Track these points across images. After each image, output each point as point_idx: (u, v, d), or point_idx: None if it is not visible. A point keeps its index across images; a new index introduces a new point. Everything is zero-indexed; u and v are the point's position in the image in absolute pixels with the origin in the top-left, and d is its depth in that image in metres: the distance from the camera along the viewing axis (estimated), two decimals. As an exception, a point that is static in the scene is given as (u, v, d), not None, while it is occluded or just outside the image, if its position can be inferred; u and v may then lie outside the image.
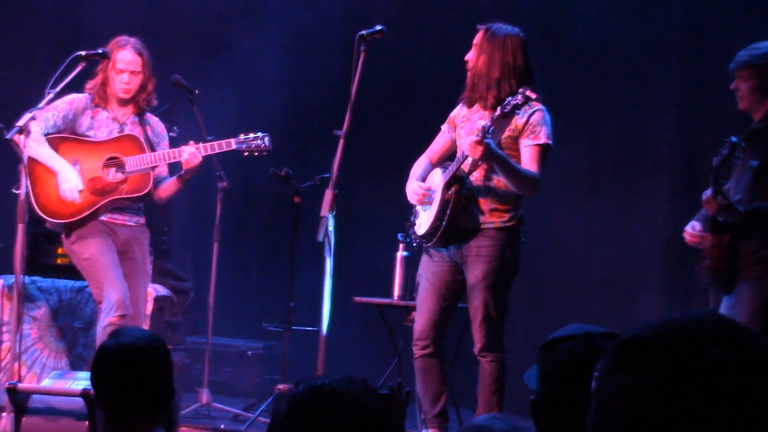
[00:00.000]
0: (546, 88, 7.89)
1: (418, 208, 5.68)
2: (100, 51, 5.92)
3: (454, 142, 5.65)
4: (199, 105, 6.38)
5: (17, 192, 5.76)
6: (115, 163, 6.02)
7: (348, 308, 7.46)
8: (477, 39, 5.51)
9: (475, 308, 5.44)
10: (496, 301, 5.42)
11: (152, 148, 6.10)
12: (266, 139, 6.09)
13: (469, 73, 5.52)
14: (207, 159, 6.06)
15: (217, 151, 6.03)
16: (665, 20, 7.71)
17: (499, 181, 5.40)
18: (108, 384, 3.14)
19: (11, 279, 6.21)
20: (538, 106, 5.38)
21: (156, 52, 6.23)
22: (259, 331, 7.97)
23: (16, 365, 5.77)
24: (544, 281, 7.94)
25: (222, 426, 6.51)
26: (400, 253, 6.63)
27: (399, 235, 6.54)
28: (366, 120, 7.12)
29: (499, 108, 5.19)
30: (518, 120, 5.37)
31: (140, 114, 6.17)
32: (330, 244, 5.24)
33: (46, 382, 5.10)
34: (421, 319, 5.55)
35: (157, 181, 6.16)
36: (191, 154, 5.95)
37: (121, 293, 5.87)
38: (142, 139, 6.07)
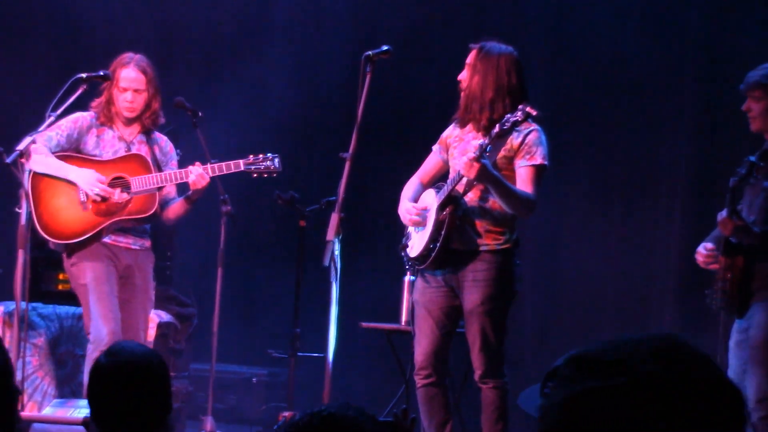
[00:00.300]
0: (557, 108, 7.89)
1: (411, 229, 5.55)
2: (101, 73, 5.84)
3: (445, 163, 5.54)
4: (202, 127, 6.29)
5: (19, 211, 5.67)
6: (120, 183, 5.90)
7: (355, 334, 7.36)
8: (470, 58, 5.40)
9: (473, 335, 5.31)
10: (495, 327, 5.29)
11: (159, 168, 5.99)
12: (276, 160, 6.00)
13: (462, 94, 5.42)
14: (211, 183, 5.98)
15: (225, 172, 5.93)
16: (679, 39, 7.66)
17: (495, 202, 5.28)
18: (104, 400, 3.08)
19: (12, 305, 6.13)
20: (533, 126, 5.27)
21: (159, 73, 6.14)
22: (264, 358, 7.89)
23: (16, 394, 5.66)
24: (554, 305, 7.86)
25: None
26: (408, 278, 6.55)
27: (406, 259, 6.45)
28: (372, 142, 7.04)
29: (497, 125, 5.08)
30: (514, 140, 5.26)
31: (147, 133, 6.05)
32: (336, 269, 5.17)
33: (48, 411, 5.04)
34: (421, 348, 5.43)
35: (165, 202, 6.05)
36: (199, 175, 5.84)
37: (111, 326, 5.74)
38: (149, 158, 5.95)
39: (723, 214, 5.11)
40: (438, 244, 5.29)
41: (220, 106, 8.21)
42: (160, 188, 5.94)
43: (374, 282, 7.90)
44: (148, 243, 6.08)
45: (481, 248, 5.31)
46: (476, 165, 5.01)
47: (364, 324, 7.00)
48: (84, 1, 8.58)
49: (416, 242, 5.47)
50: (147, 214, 5.91)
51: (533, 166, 5.28)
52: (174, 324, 7.30)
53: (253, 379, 7.95)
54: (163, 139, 6.13)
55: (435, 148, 5.61)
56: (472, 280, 5.30)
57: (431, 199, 5.44)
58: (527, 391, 2.26)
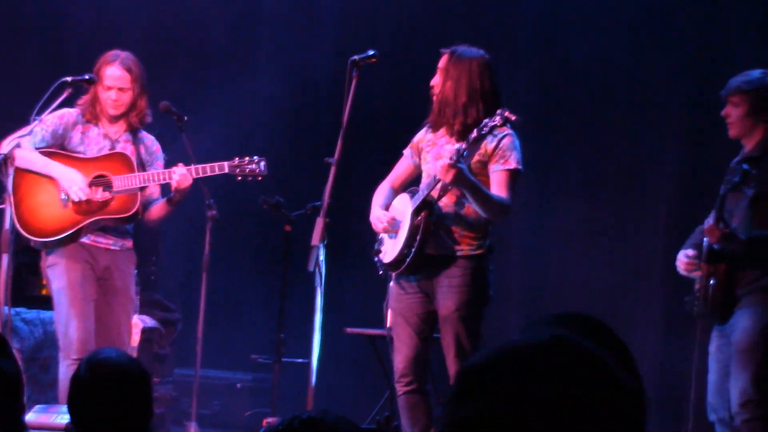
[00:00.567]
0: (545, 113, 7.90)
1: (383, 234, 5.52)
2: (86, 77, 5.79)
3: (417, 167, 5.53)
4: (188, 132, 6.26)
5: (2, 207, 5.63)
6: (102, 181, 5.83)
7: (339, 340, 7.35)
8: (442, 63, 5.38)
9: (448, 342, 5.30)
10: (469, 333, 5.27)
11: (143, 168, 5.92)
12: (262, 164, 5.94)
13: (434, 98, 5.39)
14: (196, 187, 5.95)
15: (209, 174, 5.86)
16: (668, 46, 7.66)
17: (469, 207, 5.26)
18: (85, 411, 3.06)
19: (-5, 310, 6.09)
20: (508, 130, 5.24)
21: (146, 72, 6.09)
22: (248, 363, 7.87)
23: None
24: (539, 311, 7.84)
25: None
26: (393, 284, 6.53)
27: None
28: (358, 147, 7.03)
29: (475, 130, 5.05)
30: (488, 144, 5.23)
31: (134, 131, 5.98)
32: (321, 274, 5.16)
33: (30, 416, 5.01)
34: (401, 355, 5.40)
35: (148, 203, 5.99)
36: (182, 175, 5.77)
37: (81, 335, 5.70)
38: (132, 158, 5.88)
39: (710, 222, 5.13)
40: (413, 250, 5.26)
41: (206, 110, 8.18)
42: (142, 188, 5.87)
43: (359, 287, 7.88)
44: (129, 244, 6.00)
45: (456, 254, 5.29)
46: (453, 170, 4.99)
47: (349, 329, 6.98)
48: (71, 3, 8.56)
49: (389, 248, 5.43)
50: (128, 214, 5.83)
51: (508, 170, 5.26)
52: (158, 329, 7.27)
53: (238, 385, 7.92)
54: (149, 139, 6.06)
55: (406, 152, 5.58)
56: (447, 285, 5.28)
57: (404, 204, 5.41)
58: None
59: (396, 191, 5.56)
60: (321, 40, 8.57)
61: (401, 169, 5.61)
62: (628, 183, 7.77)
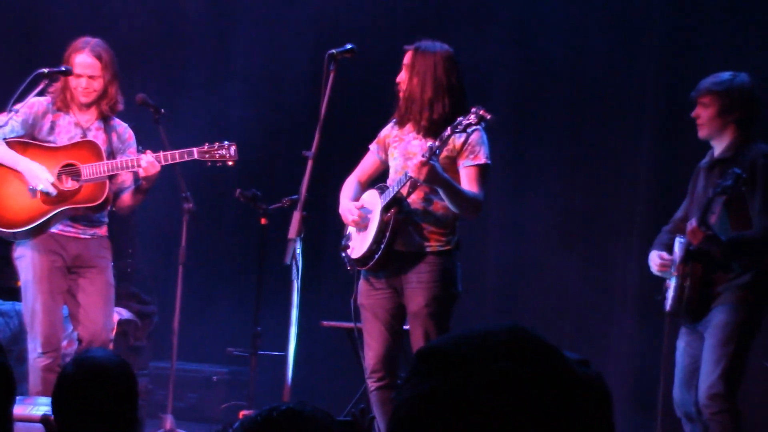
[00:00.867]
0: (521, 113, 7.93)
1: (351, 230, 5.51)
2: (63, 68, 5.76)
3: (383, 163, 5.53)
4: (164, 124, 6.24)
5: None
6: (71, 170, 5.77)
7: (316, 333, 7.35)
8: (407, 59, 5.37)
9: (418, 338, 5.30)
10: (439, 329, 5.26)
11: (113, 156, 5.85)
12: (232, 149, 5.89)
13: (400, 95, 5.39)
14: (172, 179, 5.93)
15: (178, 160, 5.81)
16: (643, 50, 7.69)
17: (438, 203, 5.27)
18: (69, 406, 3.04)
19: (-30, 302, 6.08)
20: (476, 126, 5.21)
21: (120, 70, 6.07)
22: (224, 356, 7.86)
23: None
24: (516, 316, 7.86)
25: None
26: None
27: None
28: (335, 140, 7.03)
29: (449, 128, 5.04)
30: (456, 140, 5.22)
31: (106, 119, 5.92)
32: (297, 268, 5.17)
33: (5, 408, 4.97)
34: (372, 351, 5.40)
35: (120, 191, 5.94)
36: (149, 162, 5.70)
37: (45, 327, 5.69)
38: (102, 146, 5.82)
39: (693, 224, 5.16)
40: (382, 246, 5.26)
41: (182, 103, 8.17)
42: (111, 177, 5.82)
43: (335, 281, 7.89)
44: (101, 232, 5.93)
45: (424, 250, 5.29)
46: (426, 167, 4.98)
47: (325, 323, 6.98)
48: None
49: (357, 243, 5.43)
50: (96, 203, 5.77)
51: (478, 165, 5.26)
52: (134, 321, 7.27)
53: (214, 378, 7.92)
54: (122, 126, 6.00)
55: (372, 147, 5.58)
56: (416, 282, 5.28)
57: (374, 200, 5.41)
58: None
59: (362, 186, 5.56)
60: (298, 34, 8.56)
61: (367, 164, 5.60)
62: (604, 180, 7.80)
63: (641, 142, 7.69)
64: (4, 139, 5.79)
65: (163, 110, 6.29)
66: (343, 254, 5.51)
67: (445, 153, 5.21)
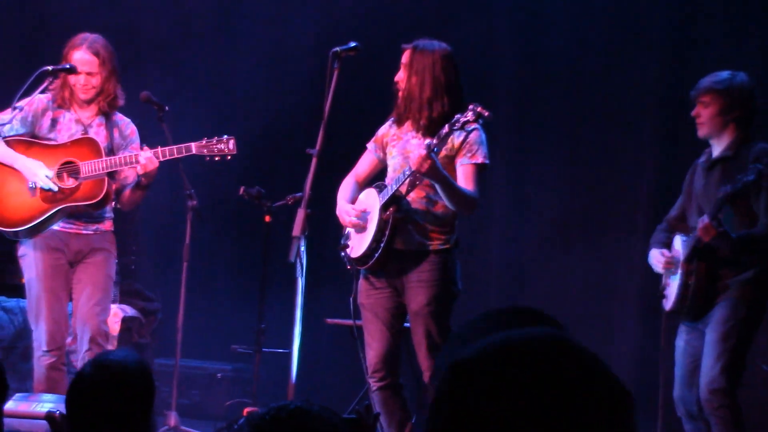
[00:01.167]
0: (523, 112, 7.93)
1: (350, 229, 5.51)
2: (67, 66, 5.76)
3: (381, 161, 5.52)
4: (168, 122, 6.24)
5: None
6: (70, 168, 5.76)
7: (320, 330, 7.35)
8: (405, 58, 5.37)
9: (419, 337, 5.30)
10: (440, 328, 5.27)
11: (113, 153, 5.83)
12: (231, 142, 5.84)
13: (399, 94, 5.39)
14: (176, 177, 5.93)
15: (177, 155, 5.78)
16: (644, 50, 7.69)
17: (437, 202, 5.27)
18: (83, 406, 3.04)
19: (-26, 299, 6.09)
20: (474, 125, 5.18)
21: (123, 68, 6.06)
22: (228, 354, 7.86)
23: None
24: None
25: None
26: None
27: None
28: (339, 138, 7.02)
29: (447, 125, 5.05)
30: (455, 138, 5.22)
31: (107, 115, 5.90)
32: (302, 265, 5.17)
33: (10, 405, 4.99)
34: (374, 351, 5.40)
35: (123, 187, 5.92)
36: (147, 158, 5.67)
37: (49, 325, 5.69)
38: (102, 143, 5.79)
39: (705, 220, 5.16)
40: (381, 245, 5.26)
41: (186, 100, 8.16)
42: (110, 173, 5.80)
43: (340, 278, 7.89)
44: (104, 227, 5.91)
45: (424, 248, 5.29)
46: (429, 160, 4.99)
47: (329, 320, 6.98)
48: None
49: (357, 243, 5.42)
50: (95, 200, 5.75)
51: (475, 164, 5.25)
52: (138, 318, 7.27)
53: (218, 375, 7.92)
54: (124, 122, 5.98)
55: (370, 146, 5.57)
56: (417, 280, 5.28)
57: (372, 199, 5.40)
58: None
59: (360, 185, 5.55)
60: (302, 31, 8.56)
61: (365, 163, 5.60)
62: (605, 179, 7.79)
63: (643, 141, 7.69)
64: (4, 138, 5.79)
65: (167, 107, 6.30)
66: (343, 253, 5.51)
67: (443, 152, 5.21)
